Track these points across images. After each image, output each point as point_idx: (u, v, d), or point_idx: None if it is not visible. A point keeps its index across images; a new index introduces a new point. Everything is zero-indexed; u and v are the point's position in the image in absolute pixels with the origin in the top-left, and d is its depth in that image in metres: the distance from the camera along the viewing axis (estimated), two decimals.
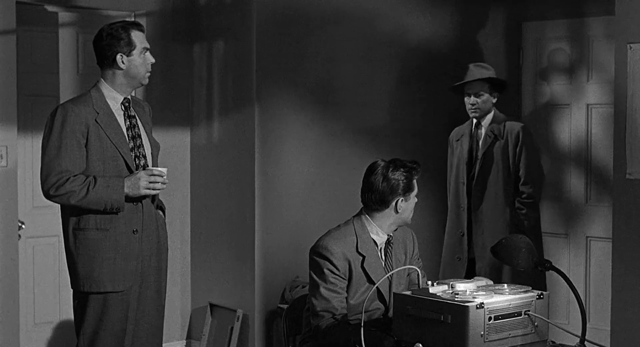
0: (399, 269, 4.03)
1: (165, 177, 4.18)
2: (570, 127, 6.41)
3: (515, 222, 5.76)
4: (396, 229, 4.11)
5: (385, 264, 4.07)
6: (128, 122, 4.24)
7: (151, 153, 4.32)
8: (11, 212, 5.53)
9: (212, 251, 6.26)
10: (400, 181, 4.00)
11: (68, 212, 4.18)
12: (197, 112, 6.30)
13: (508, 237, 3.62)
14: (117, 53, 4.18)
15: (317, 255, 3.98)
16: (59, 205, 4.22)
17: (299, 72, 5.99)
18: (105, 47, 4.20)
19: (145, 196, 4.21)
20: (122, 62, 4.19)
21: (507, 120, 5.82)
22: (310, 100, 6.05)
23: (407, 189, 4.02)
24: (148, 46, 4.28)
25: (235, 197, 6.04)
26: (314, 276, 3.98)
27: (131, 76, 4.22)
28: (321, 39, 6.04)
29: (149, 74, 4.28)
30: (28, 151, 5.88)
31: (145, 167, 4.22)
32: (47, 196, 4.12)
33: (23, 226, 5.77)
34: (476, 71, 5.82)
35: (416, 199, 4.06)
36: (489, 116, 5.86)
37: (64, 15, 6.00)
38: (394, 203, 4.01)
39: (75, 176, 4.08)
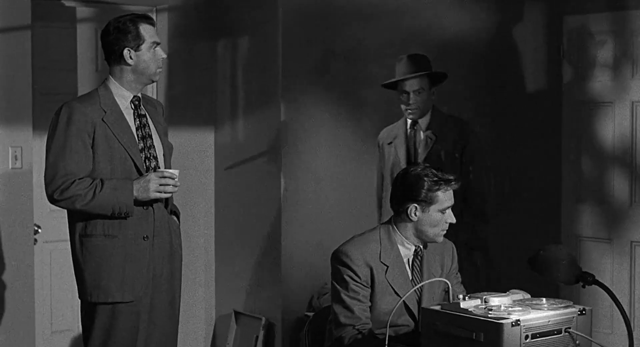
0: (424, 282, 3.80)
1: (177, 179, 4.00)
2: (613, 125, 6.21)
3: (463, 239, 4.96)
4: (424, 244, 3.88)
5: (412, 277, 3.86)
6: (138, 122, 4.07)
7: (163, 154, 4.15)
8: (26, 215, 5.43)
9: (237, 256, 6.16)
10: (422, 188, 3.76)
11: (75, 218, 4.03)
12: (221, 111, 6.21)
13: (547, 247, 3.36)
14: (124, 48, 4.01)
15: (337, 261, 3.82)
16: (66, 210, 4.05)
17: (327, 70, 5.88)
18: (113, 41, 4.03)
19: (156, 200, 4.03)
20: (130, 57, 4.02)
21: (450, 118, 5.18)
22: (338, 98, 5.93)
23: (427, 200, 3.76)
24: (158, 40, 4.10)
25: (260, 200, 5.94)
26: (335, 284, 3.82)
27: (140, 72, 4.04)
28: (350, 35, 5.91)
29: (160, 70, 4.09)
30: (44, 152, 5.68)
31: (155, 169, 4.04)
32: (52, 200, 3.95)
33: (39, 230, 5.67)
34: (414, 64, 5.12)
35: (442, 217, 3.78)
36: (428, 114, 5.17)
37: (82, 10, 5.90)
38: (407, 208, 3.78)
39: (80, 178, 3.92)
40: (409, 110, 5.12)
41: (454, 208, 3.83)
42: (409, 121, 5.16)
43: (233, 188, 6.16)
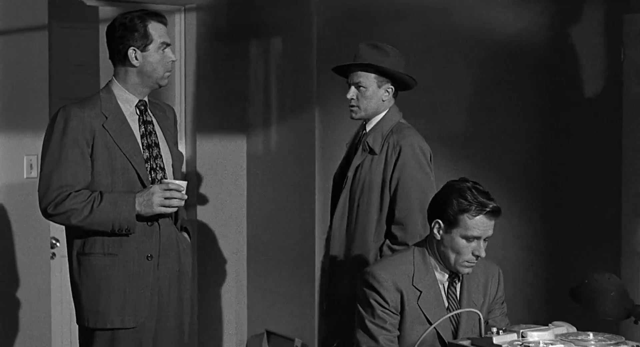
0: (452, 313, 3.48)
1: (184, 191, 3.70)
2: None
3: None
4: (450, 273, 3.54)
5: (448, 305, 3.54)
6: (143, 129, 3.80)
7: (172, 165, 3.88)
8: (43, 228, 5.22)
9: (270, 272, 6.02)
10: (450, 205, 3.42)
11: (73, 234, 3.78)
12: (253, 118, 6.08)
13: (593, 276, 2.99)
14: (129, 47, 3.75)
15: (364, 283, 3.54)
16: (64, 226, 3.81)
17: None
18: (117, 39, 3.78)
19: (162, 215, 3.74)
20: (135, 57, 3.76)
21: (398, 131, 4.35)
22: None
23: (450, 219, 3.43)
24: (169, 41, 3.83)
25: (294, 212, 5.80)
26: (360, 308, 3.55)
27: (146, 75, 3.78)
28: (389, 36, 5.61)
29: (168, 73, 3.83)
30: None
31: (162, 181, 3.76)
32: (45, 214, 3.70)
33: (57, 244, 5.48)
34: (364, 53, 4.38)
35: (467, 245, 3.43)
36: (376, 119, 4.39)
37: (105, 10, 5.75)
38: (432, 224, 3.48)
39: (77, 191, 3.66)
40: (349, 107, 4.39)
41: None
42: (364, 122, 4.45)
43: (266, 198, 6.06)
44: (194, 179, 5.79)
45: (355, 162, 4.32)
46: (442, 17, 5.87)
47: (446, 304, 3.53)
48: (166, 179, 3.79)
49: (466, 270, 3.46)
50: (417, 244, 3.62)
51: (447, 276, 3.54)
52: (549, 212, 6.06)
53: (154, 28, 3.78)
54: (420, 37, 5.79)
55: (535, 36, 6.19)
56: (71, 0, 5.46)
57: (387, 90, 4.36)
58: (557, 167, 6.15)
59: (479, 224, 3.40)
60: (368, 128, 4.36)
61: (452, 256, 3.44)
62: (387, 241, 4.22)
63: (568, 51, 6.28)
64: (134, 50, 3.74)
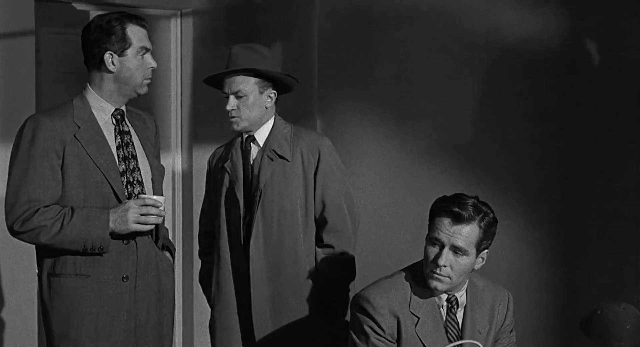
0: (457, 343, 3.27)
1: (162, 207, 3.51)
2: None
3: (318, 285, 4.03)
4: (448, 296, 3.37)
5: (448, 332, 3.34)
6: (119, 140, 3.61)
7: (152, 179, 3.69)
8: (28, 247, 4.74)
9: None
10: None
11: (43, 253, 3.60)
12: None
13: (606, 306, 2.72)
14: (105, 51, 3.57)
15: (357, 308, 3.35)
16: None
17: (369, 79, 5.65)
18: (93, 42, 3.61)
19: (139, 233, 3.55)
20: (112, 62, 3.58)
21: (302, 134, 4.15)
22: (381, 111, 5.69)
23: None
24: (149, 46, 3.64)
25: None
26: (353, 335, 3.37)
27: (122, 82, 3.60)
28: (394, 41, 5.69)
29: (147, 81, 3.64)
30: None
31: (138, 196, 3.57)
32: (12, 232, 3.52)
33: None
34: (240, 56, 4.08)
35: (429, 249, 3.34)
36: (267, 126, 4.10)
37: (95, 14, 5.48)
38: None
39: (46, 206, 3.47)
40: (230, 118, 4.05)
41: None
42: (245, 135, 4.12)
43: None
44: (189, 192, 5.66)
45: (265, 174, 4.01)
46: (448, 21, 5.87)
47: (444, 331, 3.34)
48: (144, 193, 3.60)
49: (434, 283, 3.27)
50: (411, 265, 3.43)
51: (444, 298, 3.36)
52: (563, 228, 6.00)
53: (133, 31, 3.60)
54: (426, 41, 5.77)
55: (547, 40, 6.15)
56: (60, 4, 5.36)
57: (270, 96, 4.06)
58: (572, 177, 6.11)
59: (439, 224, 3.27)
60: (261, 139, 4.07)
61: (425, 266, 3.31)
62: (321, 252, 4.01)
63: (585, 57, 6.22)
64: (111, 54, 3.57)
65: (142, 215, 3.47)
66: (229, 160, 4.09)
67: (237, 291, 3.99)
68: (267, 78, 4.03)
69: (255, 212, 3.98)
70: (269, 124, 4.07)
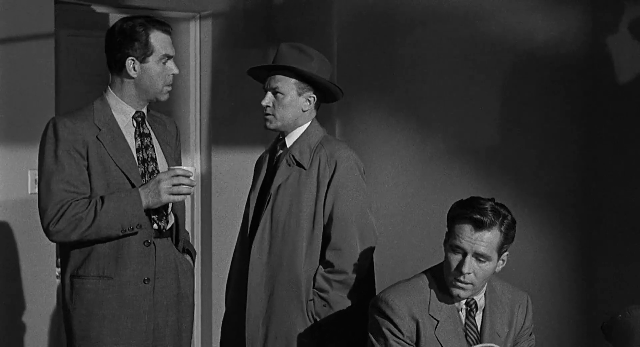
0: (478, 346, 3.29)
1: (192, 177, 3.50)
2: None
3: (311, 309, 3.81)
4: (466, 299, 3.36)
5: (468, 335, 3.33)
6: (139, 142, 3.61)
7: None
8: (48, 247, 5.06)
9: None
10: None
11: (67, 255, 3.59)
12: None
13: (628, 311, 2.69)
14: (127, 56, 3.55)
15: (376, 311, 3.35)
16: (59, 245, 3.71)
17: (388, 83, 5.66)
18: (116, 46, 3.58)
19: (159, 234, 3.58)
20: (133, 68, 3.56)
21: (327, 143, 3.92)
22: (400, 115, 5.70)
23: (448, 231, 3.33)
24: (172, 53, 3.61)
25: None
26: (372, 338, 3.36)
27: (143, 88, 3.59)
28: (413, 43, 5.70)
29: (168, 88, 3.62)
30: None
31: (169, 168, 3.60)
32: (48, 233, 3.52)
33: None
34: (285, 54, 3.92)
35: (451, 256, 3.31)
36: (299, 130, 3.93)
37: (115, 17, 5.55)
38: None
39: (76, 200, 3.49)
40: (264, 115, 3.94)
41: None
42: (280, 137, 4.02)
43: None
44: (207, 194, 5.68)
45: (279, 178, 3.85)
46: (467, 25, 5.88)
47: (464, 334, 3.34)
48: None
49: (456, 291, 3.26)
50: (431, 268, 3.42)
51: (463, 301, 3.35)
52: (583, 232, 5.99)
53: (157, 38, 3.57)
54: (445, 45, 5.75)
55: (568, 43, 6.14)
56: (79, 6, 5.37)
57: (309, 99, 3.89)
58: (593, 182, 6.09)
59: (460, 231, 3.24)
60: (289, 143, 3.91)
61: (446, 274, 3.29)
62: (321, 269, 3.76)
63: (605, 61, 6.19)
64: (133, 60, 3.54)
65: (174, 185, 3.47)
66: (261, 161, 4.02)
67: (240, 296, 3.86)
68: (307, 80, 3.88)
69: (261, 216, 3.86)
70: (303, 128, 3.91)
